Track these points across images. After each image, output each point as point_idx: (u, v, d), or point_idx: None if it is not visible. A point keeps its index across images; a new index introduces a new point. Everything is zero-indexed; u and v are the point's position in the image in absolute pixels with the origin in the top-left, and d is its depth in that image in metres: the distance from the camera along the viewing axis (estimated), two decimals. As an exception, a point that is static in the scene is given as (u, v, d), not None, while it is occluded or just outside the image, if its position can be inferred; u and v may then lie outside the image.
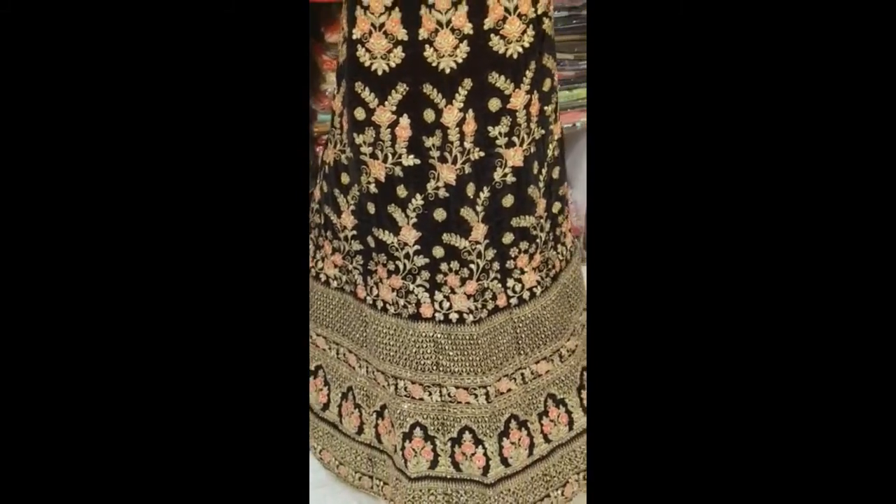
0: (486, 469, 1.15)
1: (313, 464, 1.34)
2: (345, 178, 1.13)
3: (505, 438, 1.16)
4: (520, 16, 0.99)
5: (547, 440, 1.20)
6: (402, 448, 1.17)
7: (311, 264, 1.27)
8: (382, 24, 0.98)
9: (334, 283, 1.24)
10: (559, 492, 1.22)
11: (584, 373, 1.23)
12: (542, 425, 1.19)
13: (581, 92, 1.82)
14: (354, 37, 1.01)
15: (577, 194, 2.00)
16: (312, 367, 1.32)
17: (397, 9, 0.97)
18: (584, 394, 1.23)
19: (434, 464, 1.16)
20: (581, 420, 1.22)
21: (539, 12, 1.02)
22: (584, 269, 1.91)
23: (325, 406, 1.31)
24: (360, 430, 1.26)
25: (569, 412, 1.22)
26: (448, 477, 1.17)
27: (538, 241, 1.14)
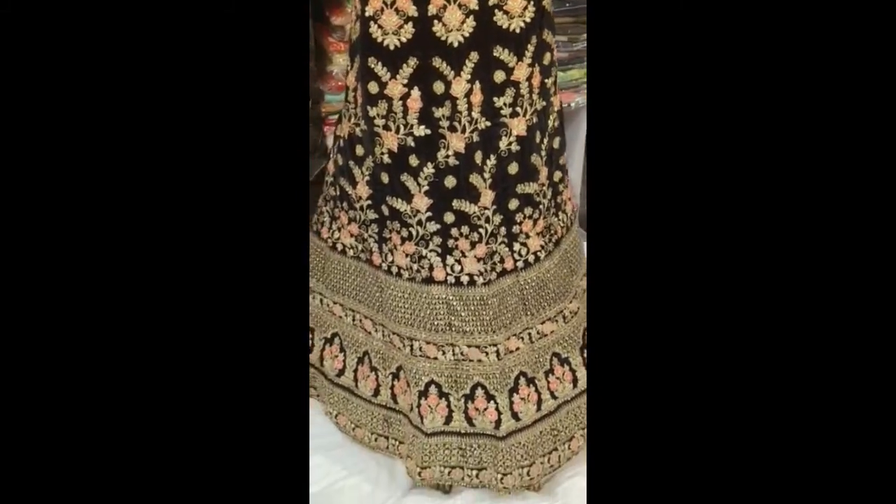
0: (498, 423, 1.22)
1: (329, 427, 1.41)
2: (359, 150, 1.20)
3: (515, 394, 1.23)
4: (521, -9, 1.06)
5: (554, 396, 1.27)
6: (418, 405, 1.24)
7: (327, 235, 1.34)
8: (394, 2, 1.05)
9: (350, 252, 1.30)
10: (566, 446, 1.29)
11: (587, 333, 1.30)
12: (548, 382, 1.26)
13: (574, 73, 1.89)
14: (367, 14, 1.08)
15: (573, 173, 2.07)
16: (329, 335, 1.38)
17: None
18: (586, 353, 1.30)
19: (448, 419, 1.23)
20: (584, 378, 1.29)
21: (540, -11, 1.09)
22: (583, 243, 1.99)
23: (341, 372, 1.37)
24: (377, 393, 1.33)
25: (573, 370, 1.29)
26: (462, 431, 1.24)
27: (541, 207, 1.20)
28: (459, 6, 1.04)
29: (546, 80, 1.15)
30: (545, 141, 1.18)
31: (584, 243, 1.91)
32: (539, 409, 1.25)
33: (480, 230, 1.16)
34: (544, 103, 1.16)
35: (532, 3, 1.08)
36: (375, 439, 1.36)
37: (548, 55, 1.14)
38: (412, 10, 1.04)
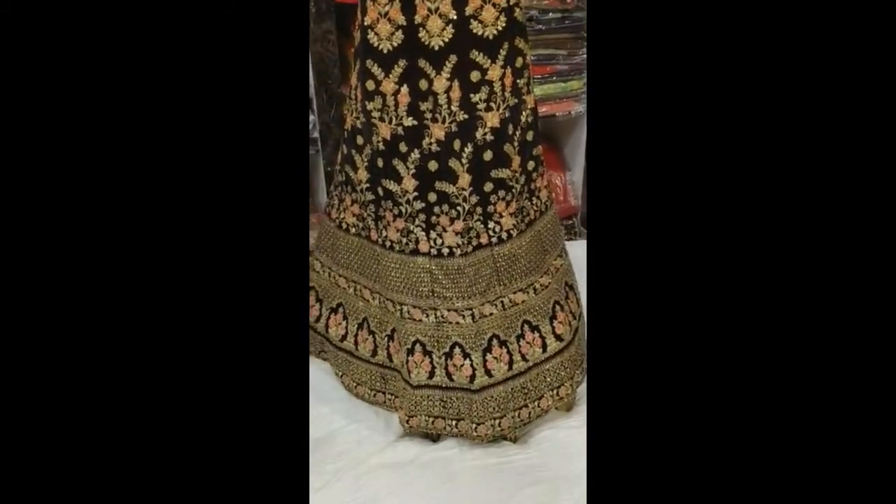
0: (472, 378, 1.40)
1: (334, 384, 1.61)
2: (359, 140, 1.41)
3: (488, 353, 1.41)
4: (494, 5, 1.25)
5: (524, 359, 1.44)
6: (406, 362, 1.43)
7: (335, 215, 1.55)
8: (387, 13, 1.26)
9: (353, 230, 1.51)
10: (536, 403, 1.46)
11: (556, 305, 1.47)
12: (519, 346, 1.44)
13: (574, 83, 2.07)
14: (366, 23, 1.29)
15: (574, 176, 2.24)
16: (334, 305, 1.59)
17: (398, 0, 1.24)
18: (555, 323, 1.47)
19: (431, 374, 1.42)
20: (553, 344, 1.46)
21: (511, 3, 1.28)
22: (582, 244, 2.15)
23: (343, 337, 1.57)
24: (374, 353, 1.52)
25: (542, 337, 1.46)
26: (443, 385, 1.42)
27: (514, 191, 1.39)
28: (440, 16, 1.24)
29: (518, 81, 1.34)
30: (518, 133, 1.37)
31: (566, 233, 2.08)
32: (510, 368, 1.42)
33: (458, 208, 1.35)
34: (516, 100, 1.35)
35: (503, 13, 1.27)
36: (374, 395, 1.55)
37: (520, 59, 1.34)
38: (401, 20, 1.25)
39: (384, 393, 1.54)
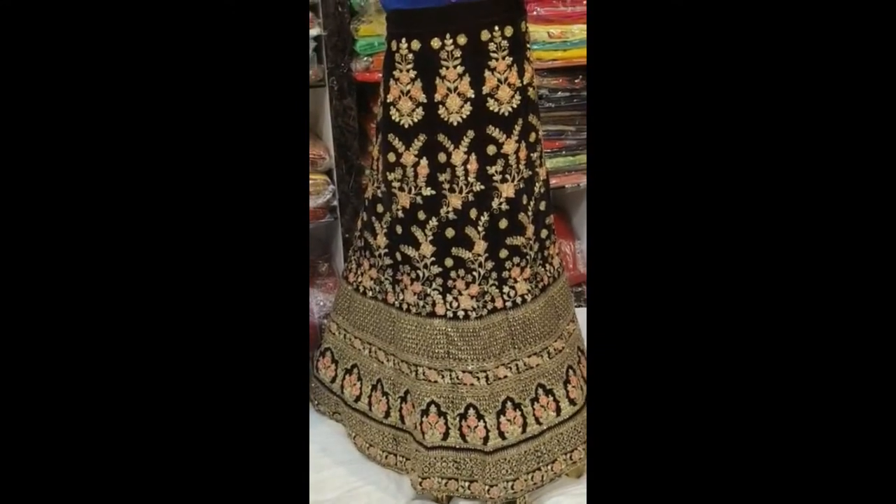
0: (485, 439, 1.43)
1: (348, 445, 1.64)
2: (380, 208, 1.48)
3: (502, 416, 1.44)
4: (509, 84, 1.35)
5: (538, 422, 1.47)
6: (420, 423, 1.46)
7: (353, 279, 1.61)
8: (408, 91, 1.35)
9: (370, 294, 1.57)
10: (549, 467, 1.48)
11: (569, 370, 1.51)
12: (534, 409, 1.47)
13: (582, 157, 2.16)
14: (388, 100, 1.38)
15: (584, 244, 2.31)
16: (349, 366, 1.63)
17: (419, 80, 1.33)
18: (568, 387, 1.50)
19: (446, 435, 1.45)
20: (567, 408, 1.49)
21: (525, 83, 1.38)
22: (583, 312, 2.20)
23: (358, 398, 1.61)
24: (387, 415, 1.56)
25: (556, 401, 1.49)
26: (457, 446, 1.45)
27: (528, 257, 1.45)
28: (459, 95, 1.33)
29: (532, 154, 1.43)
30: (532, 203, 1.44)
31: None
32: (524, 431, 1.45)
33: (474, 273, 1.41)
34: (530, 172, 1.43)
35: (518, 92, 1.36)
36: (386, 456, 1.58)
37: (533, 134, 1.42)
38: (422, 97, 1.34)
39: (395, 455, 1.57)
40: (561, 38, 2.00)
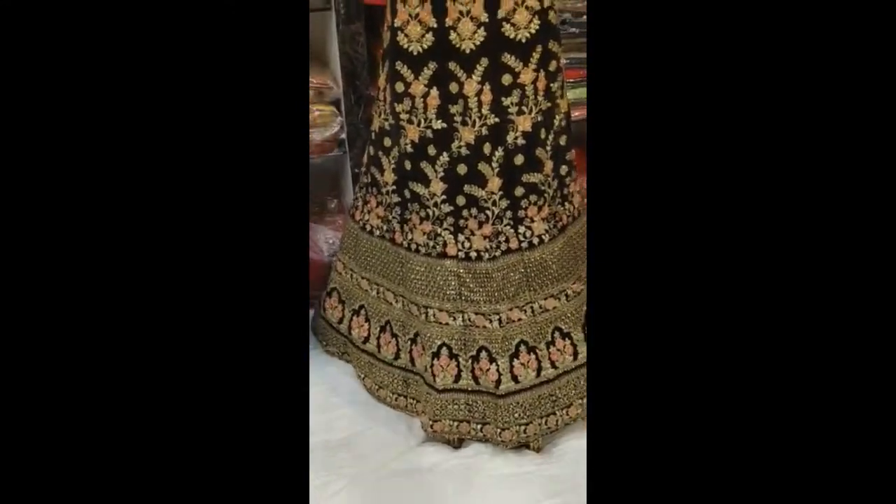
0: (497, 383, 1.38)
1: (357, 386, 1.60)
2: (387, 142, 1.40)
3: (515, 359, 1.39)
4: (527, 7, 1.24)
5: (554, 366, 1.42)
6: (431, 365, 1.41)
7: (359, 217, 1.54)
8: (417, 14, 1.25)
9: (377, 232, 1.50)
10: (564, 411, 1.43)
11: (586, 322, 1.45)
12: (549, 353, 1.42)
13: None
14: (396, 25, 1.28)
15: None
16: (356, 307, 1.58)
17: (428, 2, 1.23)
18: (586, 330, 1.44)
19: (457, 378, 1.40)
20: (584, 352, 1.44)
21: (545, 5, 1.27)
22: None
23: (366, 339, 1.56)
24: (397, 356, 1.51)
25: (574, 344, 1.43)
26: (469, 389, 1.40)
27: (546, 195, 1.37)
28: (472, 19, 1.23)
29: (551, 85, 1.33)
30: (550, 137, 1.35)
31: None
32: (538, 375, 1.40)
33: (487, 212, 1.34)
34: (549, 104, 1.33)
35: (537, 16, 1.26)
36: (396, 398, 1.54)
37: (553, 62, 1.32)
38: (432, 22, 1.24)
39: (406, 397, 1.53)
40: (584, -45, 1.86)
